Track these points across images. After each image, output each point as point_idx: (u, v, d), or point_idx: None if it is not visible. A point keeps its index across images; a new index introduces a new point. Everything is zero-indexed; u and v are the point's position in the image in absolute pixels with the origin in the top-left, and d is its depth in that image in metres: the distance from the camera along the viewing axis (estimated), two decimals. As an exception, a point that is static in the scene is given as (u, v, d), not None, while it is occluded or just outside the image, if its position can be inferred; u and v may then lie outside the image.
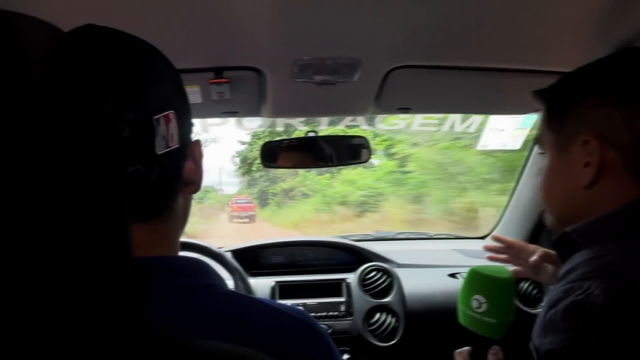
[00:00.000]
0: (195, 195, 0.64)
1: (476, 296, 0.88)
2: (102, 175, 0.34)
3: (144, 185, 0.51)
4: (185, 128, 0.57)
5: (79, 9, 0.79)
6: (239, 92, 1.15)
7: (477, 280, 0.90)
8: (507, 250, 1.20)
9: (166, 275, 0.52)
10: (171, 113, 0.53)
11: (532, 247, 1.17)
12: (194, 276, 0.55)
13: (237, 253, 1.88)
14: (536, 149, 1.63)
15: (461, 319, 0.93)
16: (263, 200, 20.30)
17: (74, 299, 0.31)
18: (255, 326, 0.53)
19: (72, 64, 0.34)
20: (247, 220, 18.54)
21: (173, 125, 0.53)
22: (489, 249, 1.23)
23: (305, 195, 16.24)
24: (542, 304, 1.67)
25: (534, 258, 1.12)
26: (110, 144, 0.48)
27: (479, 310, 0.87)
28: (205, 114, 1.29)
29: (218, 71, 1.06)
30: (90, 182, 0.35)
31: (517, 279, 1.61)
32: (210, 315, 0.51)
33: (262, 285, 1.64)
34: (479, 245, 2.14)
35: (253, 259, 1.91)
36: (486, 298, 0.86)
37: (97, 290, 0.34)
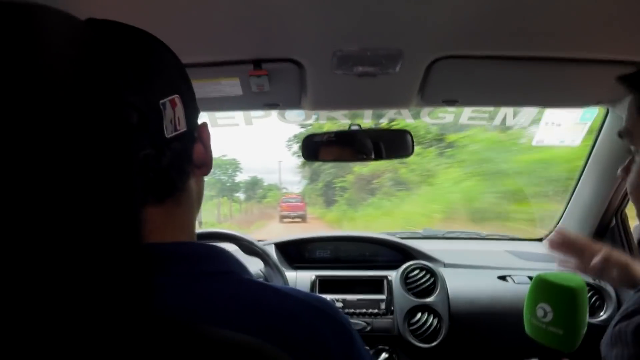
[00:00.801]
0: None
1: (541, 304, 0.86)
2: (115, 160, 0.37)
3: (156, 168, 0.53)
4: (191, 112, 0.59)
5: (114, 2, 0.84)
6: (278, 84, 1.18)
7: (543, 287, 0.88)
8: (569, 247, 1.13)
9: (182, 261, 0.54)
10: (176, 97, 0.55)
11: (597, 246, 1.10)
12: (210, 263, 0.56)
13: (281, 246, 1.93)
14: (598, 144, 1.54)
15: (527, 328, 0.91)
16: (329, 198, 19.62)
17: (86, 282, 0.33)
18: (270, 314, 0.53)
19: (89, 54, 0.37)
20: (298, 219, 18.45)
21: (179, 108, 0.56)
22: (551, 243, 1.16)
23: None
24: (602, 313, 1.58)
25: (596, 260, 1.06)
26: (121, 130, 0.51)
27: (545, 319, 0.85)
28: (247, 106, 1.32)
29: (257, 63, 1.09)
30: (104, 166, 0.37)
31: None
32: (224, 302, 0.52)
33: (302, 278, 1.67)
34: (533, 247, 2.07)
35: (297, 252, 1.95)
36: (552, 307, 0.84)
37: (109, 272, 0.36)
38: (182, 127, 0.56)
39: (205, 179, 0.69)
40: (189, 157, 0.59)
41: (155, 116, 0.52)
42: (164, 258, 0.53)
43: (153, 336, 0.43)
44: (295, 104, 1.30)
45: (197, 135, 0.61)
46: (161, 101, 0.53)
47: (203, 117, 1.49)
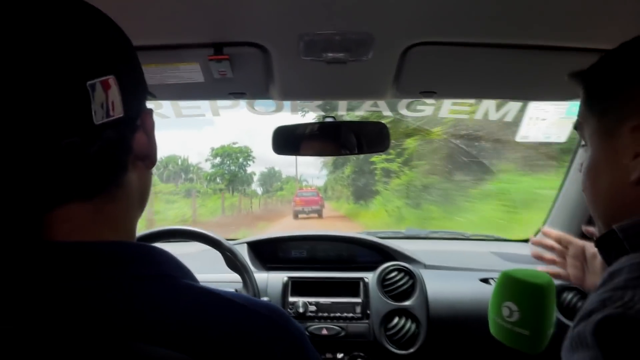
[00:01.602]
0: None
1: (507, 303, 0.82)
2: (19, 148, 0.32)
3: (83, 158, 0.48)
4: (132, 96, 0.54)
5: None
6: (243, 71, 1.12)
7: (508, 284, 0.84)
8: (554, 245, 1.09)
9: (111, 263, 0.49)
10: (111, 78, 0.49)
11: (581, 242, 1.06)
12: (144, 265, 0.51)
13: (253, 245, 1.87)
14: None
15: (492, 329, 0.87)
16: (364, 189, 17.70)
17: None
18: (209, 325, 0.48)
19: None
20: (314, 215, 17.62)
21: (114, 91, 0.50)
22: (536, 243, 1.12)
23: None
24: None
25: (575, 249, 1.02)
26: (30, 113, 0.45)
27: (510, 319, 0.81)
28: (211, 94, 1.26)
29: (217, 47, 1.03)
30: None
31: (562, 287, 1.51)
32: (156, 311, 0.47)
33: (274, 280, 1.61)
34: (519, 248, 2.03)
35: (271, 252, 1.89)
36: (518, 305, 0.80)
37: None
38: (118, 113, 0.50)
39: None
40: (126, 147, 0.54)
41: (81, 99, 0.46)
42: (89, 259, 0.47)
43: (69, 350, 0.41)
44: (262, 93, 1.24)
45: (140, 124, 0.56)
46: (89, 82, 0.47)
47: (166, 107, 1.43)
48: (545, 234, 1.13)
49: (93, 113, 0.47)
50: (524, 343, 0.80)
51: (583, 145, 0.75)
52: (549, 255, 1.11)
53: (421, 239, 2.21)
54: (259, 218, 18.60)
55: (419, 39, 1.02)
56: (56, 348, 0.42)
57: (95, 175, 0.50)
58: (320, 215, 17.50)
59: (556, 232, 1.12)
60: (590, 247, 1.01)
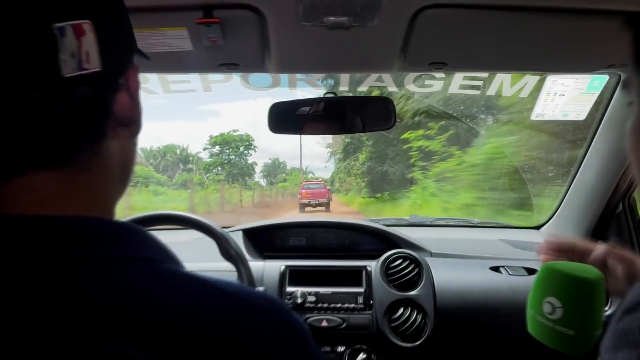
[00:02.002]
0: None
1: (549, 298, 0.74)
2: None
3: (50, 117, 0.41)
4: (114, 49, 0.47)
5: None
6: (235, 38, 1.02)
7: (552, 278, 0.76)
8: (563, 250, 1.00)
9: (83, 242, 0.42)
10: (86, 24, 0.42)
11: (602, 247, 0.97)
12: (123, 246, 0.44)
13: (249, 233, 1.79)
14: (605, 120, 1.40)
15: (530, 327, 0.79)
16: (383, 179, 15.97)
17: None
18: (193, 319, 0.41)
19: None
20: (321, 208, 16.84)
21: (89, 40, 0.43)
22: (542, 250, 1.02)
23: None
24: (607, 307, 1.46)
25: (597, 253, 0.93)
26: None
27: (552, 316, 0.73)
28: (201, 65, 1.16)
29: (207, 9, 0.93)
30: None
31: None
32: (132, 300, 0.40)
33: (271, 269, 1.53)
34: (530, 235, 1.95)
35: (268, 240, 1.81)
36: (562, 301, 0.72)
37: None
38: (94, 67, 0.44)
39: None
40: (105, 108, 0.47)
41: (46, 44, 0.40)
42: (55, 236, 0.41)
43: (24, 346, 0.35)
44: (257, 64, 1.14)
45: (123, 82, 0.49)
46: (57, 24, 0.40)
47: (153, 81, 1.33)
48: (551, 241, 1.02)
49: (61, 63, 0.40)
50: (566, 344, 0.72)
51: (629, 104, 0.66)
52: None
53: (426, 226, 2.13)
54: (260, 213, 17.89)
55: (430, 1, 0.92)
56: (9, 343, 0.35)
57: (66, 139, 0.43)
58: (327, 209, 16.86)
59: (567, 241, 1.01)
60: (611, 252, 0.93)
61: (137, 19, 0.96)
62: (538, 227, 1.98)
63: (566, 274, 0.73)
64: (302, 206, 17.18)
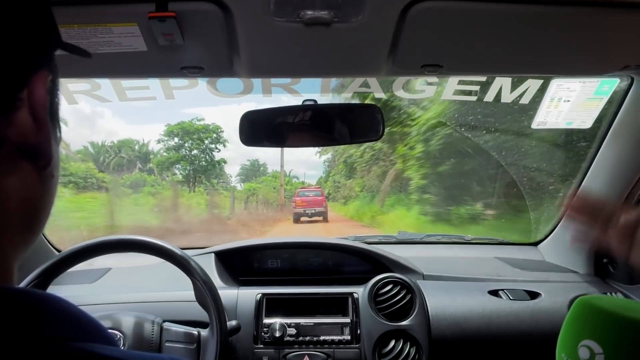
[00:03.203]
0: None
1: (587, 342, 0.61)
2: None
3: None
4: (6, 44, 0.34)
5: None
6: (197, 38, 0.89)
7: (591, 317, 0.63)
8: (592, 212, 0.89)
9: None
10: None
11: (636, 211, 0.88)
12: (16, 323, 0.33)
13: (222, 255, 1.65)
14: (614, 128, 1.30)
15: None
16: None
17: None
18: None
19: None
20: (318, 218, 15.44)
21: None
22: (574, 212, 0.91)
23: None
24: None
25: (628, 218, 0.83)
26: None
27: None
28: (159, 70, 1.02)
29: (160, 2, 0.80)
30: None
31: None
32: None
33: (245, 297, 1.39)
34: (528, 253, 1.84)
35: (244, 262, 1.67)
36: (603, 346, 0.59)
37: None
38: None
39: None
40: None
41: None
42: None
43: None
44: (224, 68, 1.01)
45: (25, 97, 0.37)
46: None
47: (106, 87, 1.19)
48: (585, 200, 0.92)
49: None
50: None
51: None
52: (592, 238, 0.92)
53: (416, 243, 2.00)
54: (233, 230, 15.29)
55: None
56: None
57: None
58: (325, 219, 15.45)
59: (598, 198, 0.91)
60: None
61: (78, 13, 0.83)
62: (536, 244, 1.88)
63: (610, 312, 0.60)
64: (297, 216, 15.74)
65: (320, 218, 15.52)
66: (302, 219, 15.52)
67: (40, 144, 0.38)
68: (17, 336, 0.31)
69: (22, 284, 1.10)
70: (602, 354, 0.59)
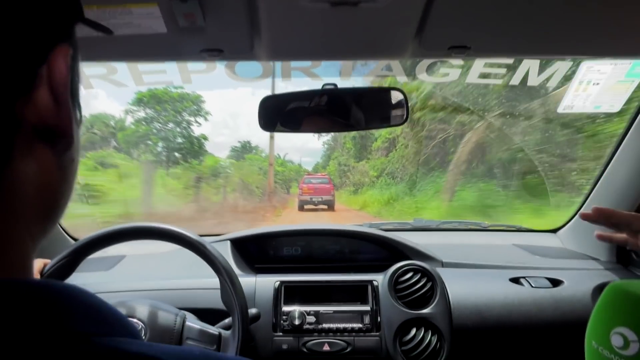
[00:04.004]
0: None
1: (620, 329, 0.58)
2: None
3: None
4: (25, 15, 0.32)
5: None
6: (218, 18, 0.86)
7: (626, 302, 0.60)
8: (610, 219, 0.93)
9: None
10: None
11: None
12: (38, 318, 0.30)
13: (238, 243, 1.64)
14: None
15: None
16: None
17: None
18: None
19: None
20: (324, 206, 14.87)
21: None
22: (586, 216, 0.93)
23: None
24: None
25: None
26: None
27: (625, 352, 0.58)
28: (178, 53, 0.99)
29: (182, -19, 0.77)
30: None
31: None
32: None
33: (263, 285, 1.38)
34: (546, 239, 1.82)
35: (260, 250, 1.66)
36: (638, 334, 0.57)
37: None
38: None
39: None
40: (9, 115, 0.32)
41: None
42: None
43: None
44: (245, 50, 0.98)
45: (43, 73, 0.34)
46: None
47: (122, 71, 1.16)
48: (602, 213, 0.94)
49: None
50: None
51: None
52: (618, 235, 0.92)
53: (432, 230, 1.98)
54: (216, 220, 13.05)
55: None
56: None
57: None
58: (332, 208, 14.80)
59: (617, 211, 0.94)
60: None
61: (97, -7, 0.80)
62: (555, 230, 1.85)
63: None
64: (302, 203, 15.02)
65: (326, 207, 15.01)
66: (307, 206, 15.03)
67: (60, 125, 0.36)
68: (40, 333, 0.29)
69: (51, 263, 1.09)
70: (637, 341, 0.57)
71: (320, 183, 15.40)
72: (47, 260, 1.11)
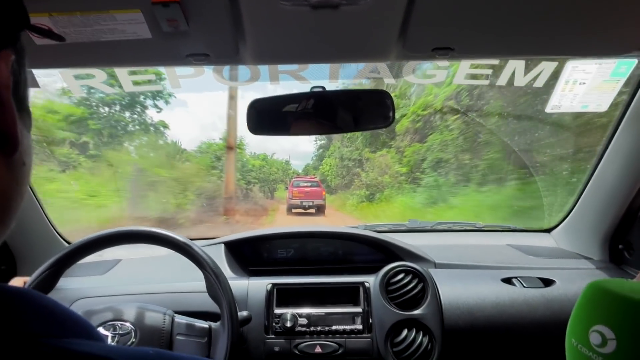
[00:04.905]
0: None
1: (598, 327, 0.58)
2: None
3: None
4: None
5: None
6: (202, 23, 0.87)
7: (603, 300, 0.60)
8: None
9: None
10: None
11: None
12: None
13: (232, 246, 1.64)
14: (631, 110, 1.27)
15: (569, 359, 0.64)
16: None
17: None
18: None
19: None
20: (312, 210, 14.22)
21: None
22: None
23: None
24: None
25: None
26: None
27: (602, 350, 0.57)
28: (164, 58, 1.00)
29: (164, -14, 0.78)
30: None
31: None
32: None
33: (256, 287, 1.38)
34: (540, 239, 1.82)
35: (254, 253, 1.66)
36: (615, 332, 0.57)
37: None
38: None
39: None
40: None
41: None
42: None
43: None
44: (230, 54, 0.99)
45: None
46: None
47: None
48: None
49: None
50: None
51: None
52: None
53: (426, 231, 1.98)
54: None
55: None
56: None
57: None
58: (322, 212, 14.21)
59: None
60: None
61: (80, 0, 0.82)
62: (549, 230, 1.85)
63: (622, 296, 0.58)
64: (292, 207, 14.39)
65: (314, 210, 14.26)
66: (295, 210, 14.29)
67: (5, 128, 0.36)
68: None
69: (32, 277, 1.09)
70: (615, 339, 0.57)
71: (310, 186, 14.68)
72: (26, 278, 1.11)
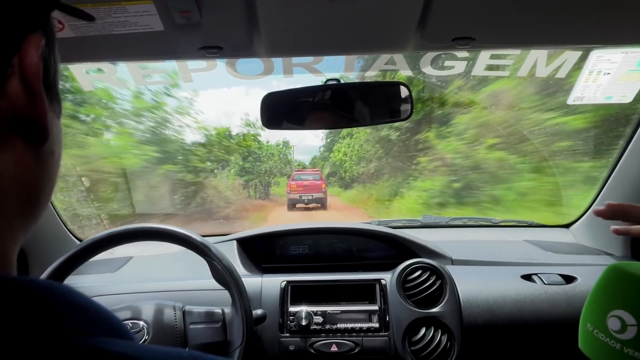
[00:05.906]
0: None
1: (617, 312, 0.56)
2: None
3: None
4: None
5: None
6: (215, 14, 0.85)
7: (624, 284, 0.57)
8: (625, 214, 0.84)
9: None
10: None
11: None
12: (18, 316, 0.29)
13: (244, 242, 1.62)
14: None
15: (584, 345, 0.62)
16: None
17: None
18: None
19: None
20: (315, 205, 13.75)
21: None
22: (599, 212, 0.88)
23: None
24: None
25: None
26: None
27: (621, 336, 0.55)
28: (176, 51, 0.98)
29: (177, -24, 0.76)
30: None
31: None
32: None
33: (270, 285, 1.36)
34: (559, 235, 1.78)
35: (266, 249, 1.65)
36: (637, 318, 0.54)
37: None
38: None
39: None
40: None
41: None
42: None
43: None
44: (244, 47, 0.96)
45: (14, 63, 0.33)
46: None
47: (123, 70, 1.15)
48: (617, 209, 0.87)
49: None
50: None
51: None
52: (636, 227, 0.88)
53: (442, 227, 1.96)
54: None
55: None
56: None
57: None
58: (324, 207, 13.72)
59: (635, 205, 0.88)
60: None
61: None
62: (567, 225, 1.82)
63: None
64: (292, 203, 13.77)
65: (318, 205, 13.75)
66: (298, 205, 13.76)
67: (35, 117, 0.34)
68: (19, 331, 0.28)
69: (44, 275, 1.09)
70: (636, 325, 0.54)
71: (310, 179, 14.06)
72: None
